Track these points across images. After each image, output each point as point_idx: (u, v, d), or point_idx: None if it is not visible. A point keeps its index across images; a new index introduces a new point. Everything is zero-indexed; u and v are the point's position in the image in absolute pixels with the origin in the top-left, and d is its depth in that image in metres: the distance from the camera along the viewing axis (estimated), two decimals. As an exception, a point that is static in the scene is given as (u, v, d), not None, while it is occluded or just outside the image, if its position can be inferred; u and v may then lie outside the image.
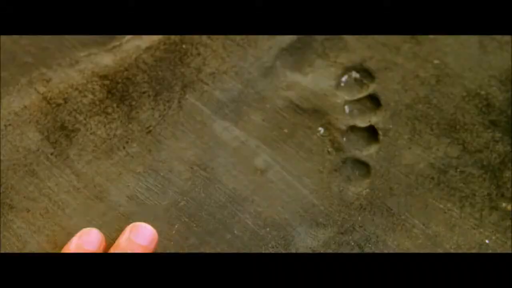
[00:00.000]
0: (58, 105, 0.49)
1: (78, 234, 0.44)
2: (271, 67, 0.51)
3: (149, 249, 0.44)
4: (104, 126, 0.48)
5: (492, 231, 0.45)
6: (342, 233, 0.45)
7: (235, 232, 0.45)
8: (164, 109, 0.49)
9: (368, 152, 0.48)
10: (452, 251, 0.44)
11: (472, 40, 0.52)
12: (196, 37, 0.52)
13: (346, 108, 0.50)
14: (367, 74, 0.51)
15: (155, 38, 0.52)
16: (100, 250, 0.44)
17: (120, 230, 0.44)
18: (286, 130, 0.49)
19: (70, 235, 0.44)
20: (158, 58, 0.51)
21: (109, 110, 0.49)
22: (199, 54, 0.52)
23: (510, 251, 0.44)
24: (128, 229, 0.44)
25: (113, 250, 0.43)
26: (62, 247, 0.44)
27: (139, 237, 0.43)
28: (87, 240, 0.43)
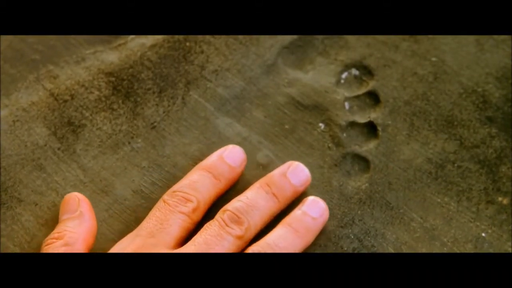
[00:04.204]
0: (65, 101, 0.50)
1: (223, 148, 0.46)
2: (272, 64, 0.52)
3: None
4: (110, 122, 0.49)
5: (489, 225, 0.45)
6: (342, 227, 0.45)
7: (238, 225, 0.45)
8: (168, 105, 0.50)
9: (367, 147, 0.49)
10: (449, 244, 0.45)
11: (469, 39, 0.53)
12: (199, 36, 0.53)
13: (346, 105, 0.50)
14: (366, 71, 0.52)
15: (159, 36, 0.53)
16: (240, 168, 0.46)
17: (124, 223, 0.45)
18: (287, 126, 0.50)
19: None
20: (162, 56, 0.52)
21: (115, 106, 0.50)
22: (202, 51, 0.52)
23: (506, 246, 0.44)
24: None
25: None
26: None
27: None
28: (229, 155, 0.45)
